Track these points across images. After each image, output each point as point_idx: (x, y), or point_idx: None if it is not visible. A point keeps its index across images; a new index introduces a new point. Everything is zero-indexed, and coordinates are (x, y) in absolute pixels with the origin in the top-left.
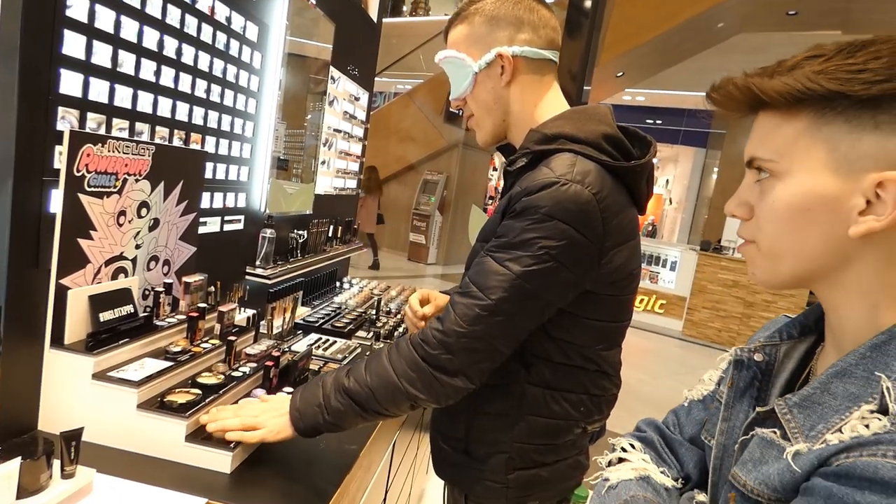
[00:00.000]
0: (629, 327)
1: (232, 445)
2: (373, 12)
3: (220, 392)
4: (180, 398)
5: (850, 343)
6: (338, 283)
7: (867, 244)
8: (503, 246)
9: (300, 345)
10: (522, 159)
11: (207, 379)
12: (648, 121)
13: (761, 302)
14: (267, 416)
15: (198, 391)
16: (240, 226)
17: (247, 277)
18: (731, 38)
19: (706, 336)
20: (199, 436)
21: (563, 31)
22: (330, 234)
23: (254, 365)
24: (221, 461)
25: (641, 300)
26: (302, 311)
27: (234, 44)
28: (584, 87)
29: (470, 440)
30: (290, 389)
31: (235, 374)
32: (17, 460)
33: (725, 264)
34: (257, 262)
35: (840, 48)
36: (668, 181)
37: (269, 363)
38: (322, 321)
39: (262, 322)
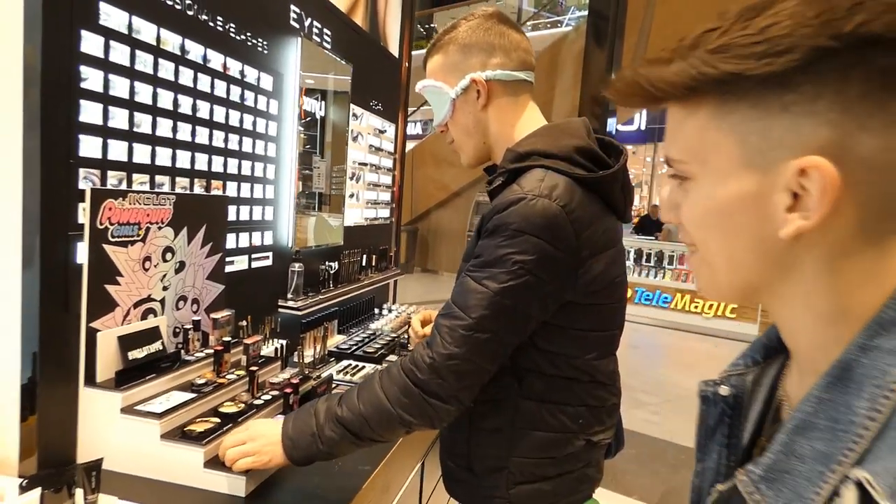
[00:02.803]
0: (704, 335)
1: (245, 471)
2: (393, 48)
3: (238, 420)
4: (200, 427)
5: (808, 364)
6: (377, 310)
7: (803, 247)
8: (480, 265)
9: (331, 371)
10: (499, 178)
11: (229, 408)
12: None
13: None
14: (257, 444)
15: (217, 420)
16: (268, 262)
17: (279, 310)
18: None
19: None
20: (219, 462)
21: (589, 38)
22: (364, 263)
23: (276, 393)
24: (237, 485)
25: (710, 305)
26: (337, 339)
27: (249, 95)
28: None
29: (472, 456)
30: None
31: (257, 402)
32: (37, 491)
33: None
34: (288, 295)
35: (739, 15)
36: None
37: (289, 390)
38: (354, 348)
39: (295, 352)
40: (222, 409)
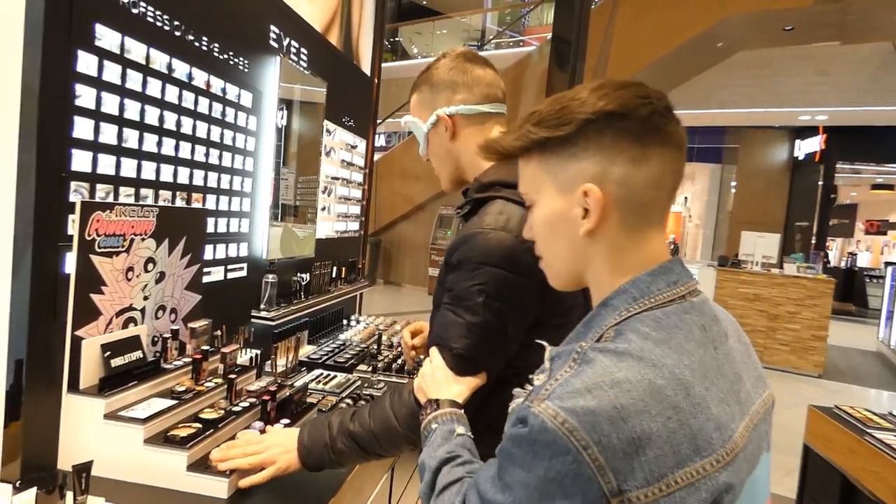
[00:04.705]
0: None
1: (228, 473)
2: (365, 66)
3: (220, 425)
4: (182, 432)
5: None
6: (345, 321)
7: (595, 243)
8: (453, 299)
9: (303, 380)
10: (467, 206)
11: (209, 414)
12: None
13: (785, 314)
14: (274, 452)
15: (199, 425)
16: (243, 273)
17: (252, 320)
18: (735, 56)
19: None
20: (201, 465)
21: (552, 62)
22: (334, 275)
23: (253, 400)
24: (219, 488)
25: None
26: (308, 349)
27: (230, 111)
28: None
29: None
30: (287, 421)
31: (235, 409)
32: (33, 491)
33: (745, 278)
34: (261, 306)
35: (550, 101)
36: (686, 199)
37: (266, 397)
38: (325, 357)
39: (268, 361)
40: (203, 416)
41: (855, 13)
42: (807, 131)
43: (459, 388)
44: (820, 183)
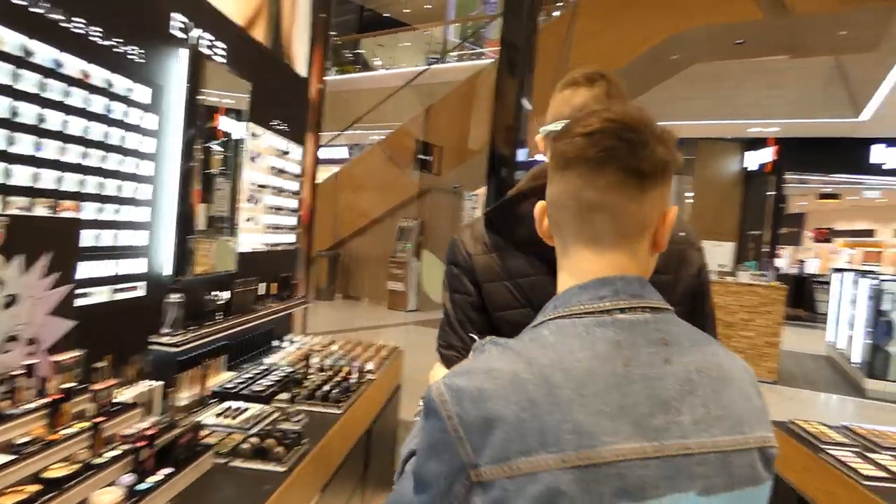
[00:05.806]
0: None
1: None
2: (300, 68)
3: (66, 486)
4: (8, 500)
5: None
6: (277, 342)
7: (558, 254)
8: None
9: (208, 416)
10: None
11: (57, 471)
12: None
13: (739, 322)
14: None
15: (37, 487)
16: (139, 293)
17: (151, 347)
18: (693, 68)
19: None
20: None
21: (501, 67)
22: (263, 292)
23: (127, 447)
24: None
25: None
26: (225, 377)
27: (118, 107)
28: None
29: None
30: (171, 470)
31: (98, 461)
32: None
33: None
34: (163, 330)
35: None
36: None
37: (141, 444)
38: (242, 386)
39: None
40: (47, 474)
41: (801, 27)
42: (757, 143)
43: None
44: (771, 193)
